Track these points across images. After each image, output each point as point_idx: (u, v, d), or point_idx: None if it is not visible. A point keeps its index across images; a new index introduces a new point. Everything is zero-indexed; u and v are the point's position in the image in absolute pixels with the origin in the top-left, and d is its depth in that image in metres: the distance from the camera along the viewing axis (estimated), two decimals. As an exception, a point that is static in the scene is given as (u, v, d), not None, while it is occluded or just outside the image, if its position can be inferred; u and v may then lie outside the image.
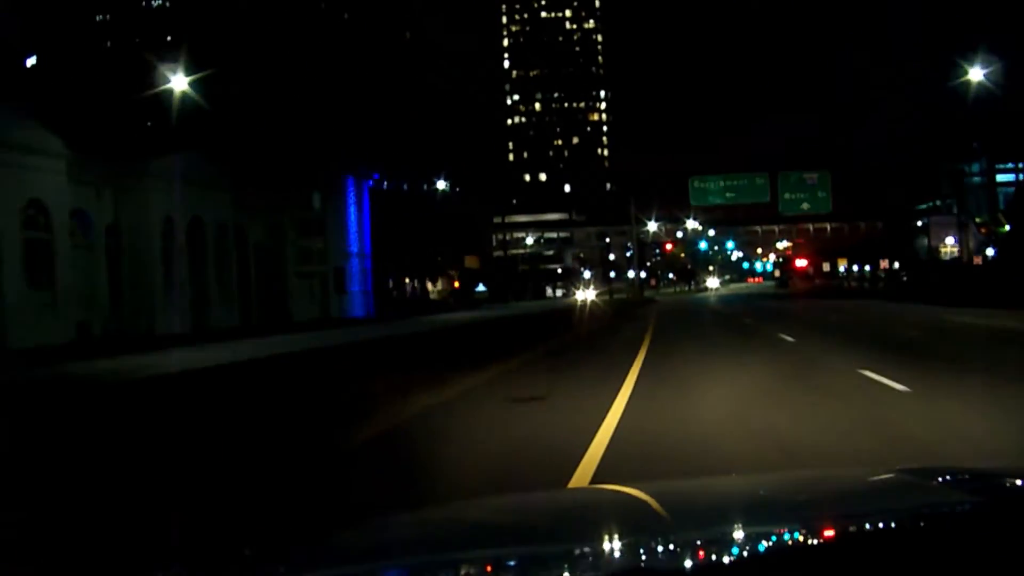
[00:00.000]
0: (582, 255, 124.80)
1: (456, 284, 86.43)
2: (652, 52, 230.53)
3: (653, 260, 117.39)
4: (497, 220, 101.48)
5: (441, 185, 66.05)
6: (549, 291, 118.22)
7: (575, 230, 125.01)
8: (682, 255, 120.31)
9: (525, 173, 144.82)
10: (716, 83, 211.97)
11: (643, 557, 1.82)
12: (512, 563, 1.88)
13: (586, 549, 1.90)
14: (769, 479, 3.43)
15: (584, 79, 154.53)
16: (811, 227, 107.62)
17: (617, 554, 1.85)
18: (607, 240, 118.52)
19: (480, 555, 1.91)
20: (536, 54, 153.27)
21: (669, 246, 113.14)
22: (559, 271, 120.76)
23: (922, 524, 1.97)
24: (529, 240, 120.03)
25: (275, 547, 2.64)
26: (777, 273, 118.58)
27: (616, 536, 2.04)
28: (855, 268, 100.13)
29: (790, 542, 1.86)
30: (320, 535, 2.25)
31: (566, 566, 1.79)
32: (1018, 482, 2.39)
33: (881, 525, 1.90)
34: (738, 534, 1.94)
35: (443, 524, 2.31)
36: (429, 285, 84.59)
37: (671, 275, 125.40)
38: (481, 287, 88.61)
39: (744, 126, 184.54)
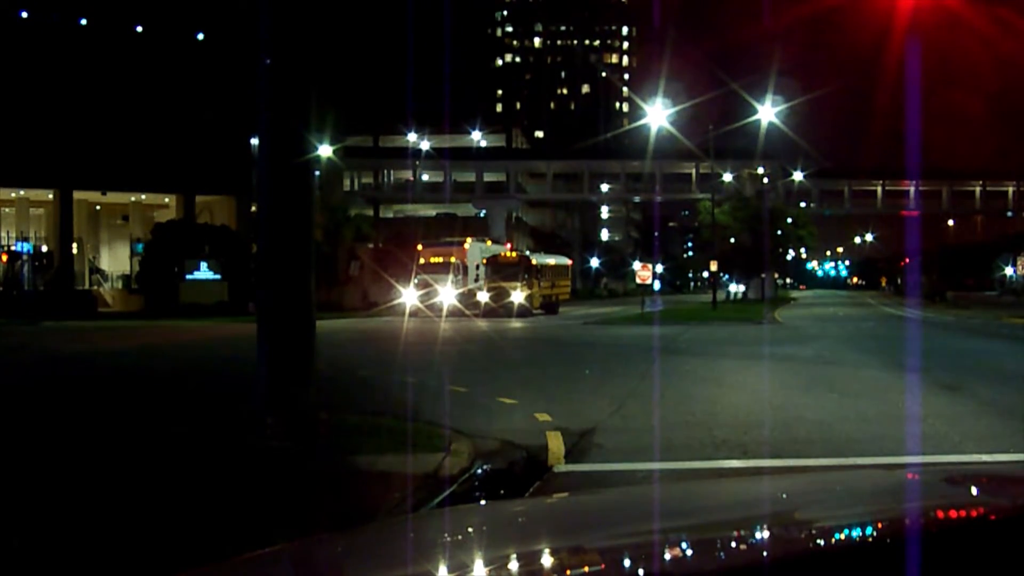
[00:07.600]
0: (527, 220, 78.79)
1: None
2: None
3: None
4: (357, 141, 63.18)
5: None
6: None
7: (518, 169, 76.25)
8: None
9: (514, 128, 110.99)
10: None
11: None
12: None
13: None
14: (778, 480, 3.48)
15: (600, 7, 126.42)
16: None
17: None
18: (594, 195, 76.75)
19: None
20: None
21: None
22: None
23: (930, 525, 1.98)
24: (424, 177, 72.96)
25: None
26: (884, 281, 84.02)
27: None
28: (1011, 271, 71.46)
29: (806, 544, 1.87)
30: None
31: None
32: None
33: (889, 526, 1.94)
34: (748, 536, 1.96)
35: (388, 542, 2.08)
36: (105, 264, 47.16)
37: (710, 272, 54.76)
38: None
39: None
